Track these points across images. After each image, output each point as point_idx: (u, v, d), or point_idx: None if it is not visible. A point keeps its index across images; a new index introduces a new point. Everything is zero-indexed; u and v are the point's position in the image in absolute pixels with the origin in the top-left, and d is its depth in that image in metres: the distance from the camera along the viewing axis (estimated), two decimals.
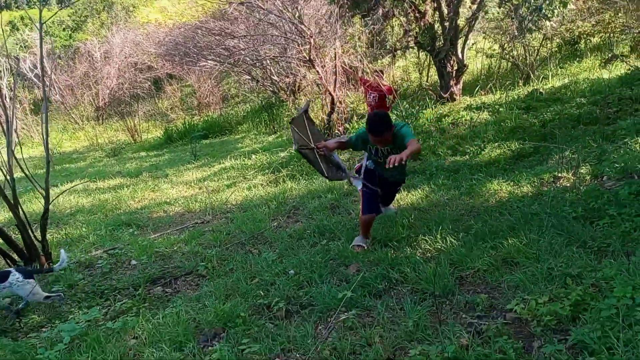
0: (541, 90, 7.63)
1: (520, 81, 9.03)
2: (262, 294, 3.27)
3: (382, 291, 3.13)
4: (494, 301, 2.79)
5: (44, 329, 3.22)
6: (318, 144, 3.96)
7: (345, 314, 2.88)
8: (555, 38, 10.10)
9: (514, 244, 3.31)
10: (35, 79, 18.93)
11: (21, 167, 4.48)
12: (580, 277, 2.73)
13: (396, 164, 3.20)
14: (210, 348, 2.74)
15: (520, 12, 7.88)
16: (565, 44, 10.45)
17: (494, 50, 9.93)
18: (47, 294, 3.59)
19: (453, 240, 3.64)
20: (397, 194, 4.60)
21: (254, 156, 8.44)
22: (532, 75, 9.07)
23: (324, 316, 2.94)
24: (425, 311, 2.76)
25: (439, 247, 3.60)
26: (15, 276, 3.50)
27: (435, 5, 8.44)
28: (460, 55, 8.60)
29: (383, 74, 8.01)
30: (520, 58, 9.68)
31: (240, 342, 2.72)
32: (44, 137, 4.39)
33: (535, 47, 9.77)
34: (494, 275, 3.04)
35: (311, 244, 4.13)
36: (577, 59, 9.77)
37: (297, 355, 2.60)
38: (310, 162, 4.02)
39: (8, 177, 4.30)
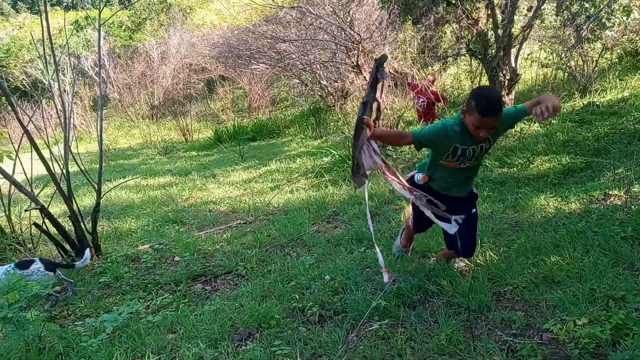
0: (598, 102, 7.34)
1: (576, 93, 8.71)
2: (297, 297, 3.32)
3: (416, 302, 3.11)
4: (531, 320, 2.72)
5: (89, 318, 3.38)
6: (365, 117, 2.85)
7: (378, 322, 2.88)
8: (616, 49, 9.68)
9: (556, 261, 3.21)
10: (95, 77, 19.85)
11: (77, 162, 4.73)
12: (624, 300, 2.62)
13: (551, 115, 2.48)
14: (243, 347, 2.81)
15: (579, 21, 7.62)
16: (626, 55, 10.00)
17: (550, 59, 9.62)
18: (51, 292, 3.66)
19: (493, 254, 3.56)
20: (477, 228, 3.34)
21: (298, 160, 8.53)
22: (589, 87, 8.73)
23: (356, 323, 2.95)
24: (459, 325, 2.72)
25: (479, 260, 3.54)
26: (37, 265, 3.67)
27: (489, 12, 8.28)
28: (513, 64, 8.38)
29: (434, 79, 7.93)
30: (578, 69, 9.34)
31: (272, 343, 2.78)
32: (99, 134, 4.62)
33: (594, 58, 9.41)
34: (533, 293, 2.96)
35: (348, 250, 4.15)
36: (639, 71, 9.33)
37: None
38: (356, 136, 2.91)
39: (64, 171, 4.55)
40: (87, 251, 4.05)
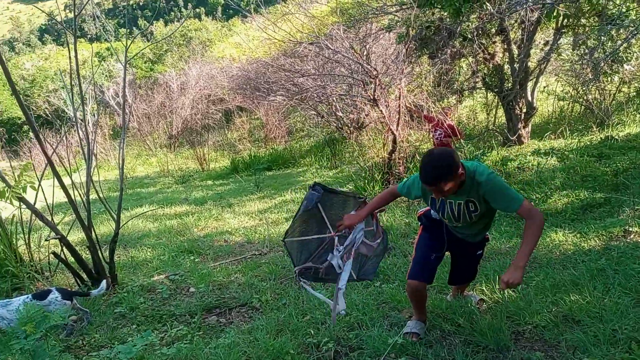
0: (616, 137, 7.29)
1: (593, 126, 8.67)
2: (312, 332, 3.29)
3: (433, 340, 3.06)
4: None
5: (103, 349, 3.38)
6: (337, 223, 2.97)
7: None
8: (634, 82, 9.66)
9: (576, 300, 3.15)
10: (116, 107, 20.31)
11: (97, 191, 4.81)
12: None
13: (507, 288, 2.46)
14: None
15: (596, 56, 7.65)
16: None
17: (567, 93, 9.62)
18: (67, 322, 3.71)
19: (511, 292, 3.51)
20: (478, 265, 3.30)
21: None
22: (606, 121, 8.69)
23: None
24: None
25: (497, 298, 3.48)
26: (54, 295, 3.71)
27: (506, 46, 8.36)
28: (529, 98, 8.41)
29: (449, 111, 7.95)
30: (595, 102, 9.32)
31: None
32: (120, 166, 4.70)
33: (612, 92, 9.39)
34: (552, 333, 2.90)
35: (364, 285, 4.11)
36: None
37: None
38: (325, 280, 3.00)
39: (84, 200, 4.63)
40: (104, 282, 4.08)
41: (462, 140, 7.91)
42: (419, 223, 3.23)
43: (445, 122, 7.58)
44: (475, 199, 2.69)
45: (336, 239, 2.98)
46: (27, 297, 3.67)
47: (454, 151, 2.69)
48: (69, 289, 4.17)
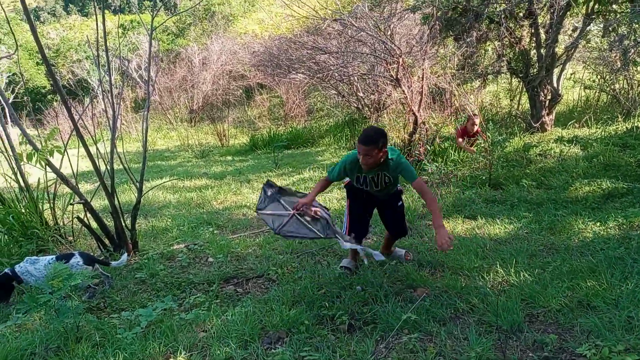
0: None
1: (619, 116, 8.51)
2: (327, 305, 3.34)
3: (447, 318, 3.10)
4: (564, 343, 2.67)
5: (124, 311, 3.48)
6: (295, 205, 3.66)
7: (408, 335, 2.88)
8: None
9: (592, 286, 3.16)
10: (138, 79, 20.45)
11: (121, 160, 4.90)
12: None
13: (449, 248, 3.11)
14: (272, 350, 2.85)
15: (626, 43, 7.46)
16: None
17: (594, 81, 9.44)
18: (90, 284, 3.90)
19: (527, 275, 3.52)
20: (405, 218, 4.06)
21: None
22: (633, 111, 8.51)
23: (386, 335, 2.95)
24: (490, 344, 2.70)
25: (512, 281, 3.50)
26: (76, 259, 3.80)
27: (533, 31, 8.20)
28: (555, 85, 8.27)
29: (478, 121, 7.83)
30: (622, 91, 9.13)
31: (301, 349, 2.81)
32: (144, 136, 4.77)
33: None
34: (567, 317, 2.91)
35: (379, 262, 4.15)
36: None
37: None
38: (298, 235, 3.65)
39: (109, 168, 4.72)
40: (125, 255, 4.17)
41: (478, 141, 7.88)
42: (345, 190, 4.02)
43: (473, 130, 7.64)
44: (387, 172, 3.56)
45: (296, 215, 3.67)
46: (51, 258, 3.79)
47: (386, 134, 3.44)
48: (92, 254, 4.28)
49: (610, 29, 7.64)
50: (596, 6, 7.44)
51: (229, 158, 12.57)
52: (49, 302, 2.96)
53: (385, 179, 3.61)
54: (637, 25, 6.85)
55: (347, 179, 3.89)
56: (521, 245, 4.20)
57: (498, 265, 3.76)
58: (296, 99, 16.58)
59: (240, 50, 19.42)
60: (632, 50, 6.94)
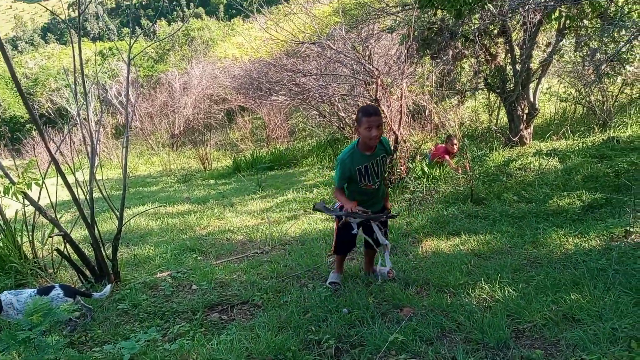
0: (618, 138, 7.31)
1: (595, 127, 8.68)
2: (314, 329, 3.31)
3: (434, 337, 3.08)
4: (551, 358, 2.67)
5: (107, 344, 3.40)
6: (345, 208, 3.71)
7: (395, 357, 2.87)
8: (636, 84, 9.66)
9: (576, 299, 3.18)
10: (119, 106, 20.36)
11: (100, 189, 4.83)
12: None
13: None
14: None
15: (598, 57, 7.65)
16: None
17: (569, 94, 9.64)
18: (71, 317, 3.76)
19: (512, 290, 3.53)
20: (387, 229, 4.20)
21: (315, 190, 8.58)
22: (609, 122, 8.70)
23: (373, 357, 2.93)
24: None
25: (497, 296, 3.50)
26: (57, 292, 3.73)
27: (508, 47, 8.38)
28: (532, 99, 8.42)
29: (454, 151, 8.12)
30: (597, 104, 9.33)
31: None
32: (124, 164, 4.73)
33: (614, 93, 9.40)
34: (552, 331, 2.92)
35: (365, 283, 4.14)
36: None
37: None
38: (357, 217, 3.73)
39: (88, 198, 4.65)
40: (108, 287, 4.09)
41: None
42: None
43: (454, 150, 7.95)
44: (383, 147, 3.77)
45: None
46: (33, 291, 3.70)
47: None
48: (72, 287, 4.20)
49: (582, 43, 7.85)
50: (567, 22, 7.64)
51: (212, 182, 12.50)
52: (29, 339, 2.87)
53: (382, 160, 3.80)
54: (607, 40, 7.05)
55: (337, 204, 4.02)
56: (505, 260, 4.22)
57: (483, 281, 3.77)
58: (278, 121, 16.62)
59: (221, 74, 19.49)
60: (605, 64, 7.12)
